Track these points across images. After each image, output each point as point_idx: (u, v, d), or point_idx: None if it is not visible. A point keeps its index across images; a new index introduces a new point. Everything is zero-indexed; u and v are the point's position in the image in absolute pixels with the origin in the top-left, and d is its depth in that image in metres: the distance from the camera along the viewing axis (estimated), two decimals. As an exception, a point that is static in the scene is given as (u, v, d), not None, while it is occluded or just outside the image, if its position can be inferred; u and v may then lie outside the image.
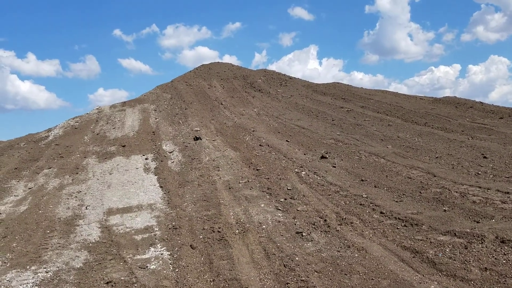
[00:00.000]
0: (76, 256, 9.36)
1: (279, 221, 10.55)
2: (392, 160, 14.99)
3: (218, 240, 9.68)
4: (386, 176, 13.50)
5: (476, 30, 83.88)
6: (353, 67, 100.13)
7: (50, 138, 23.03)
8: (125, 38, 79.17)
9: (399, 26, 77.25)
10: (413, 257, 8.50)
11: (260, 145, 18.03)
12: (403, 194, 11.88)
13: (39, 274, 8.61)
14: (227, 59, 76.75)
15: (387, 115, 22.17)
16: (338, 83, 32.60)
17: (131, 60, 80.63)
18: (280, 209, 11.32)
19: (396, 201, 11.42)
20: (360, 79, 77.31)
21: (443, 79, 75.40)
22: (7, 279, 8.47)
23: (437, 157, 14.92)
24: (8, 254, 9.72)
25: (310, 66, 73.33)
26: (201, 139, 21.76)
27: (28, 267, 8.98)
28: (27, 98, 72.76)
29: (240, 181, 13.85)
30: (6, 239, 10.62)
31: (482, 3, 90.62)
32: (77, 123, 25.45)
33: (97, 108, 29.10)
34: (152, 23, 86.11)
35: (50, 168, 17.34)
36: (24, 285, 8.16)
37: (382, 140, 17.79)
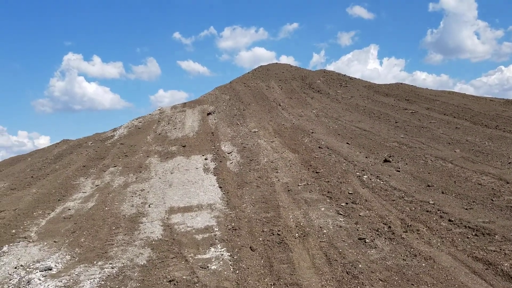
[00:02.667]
0: (140, 253, 9.58)
1: (341, 226, 10.25)
2: (461, 165, 14.18)
3: (278, 243, 9.55)
4: (454, 182, 12.77)
5: (551, 27, 78.15)
6: (415, 67, 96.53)
7: (116, 137, 23.96)
8: (184, 41, 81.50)
9: (465, 24, 73.55)
10: (486, 269, 7.93)
11: (319, 147, 17.72)
12: (473, 202, 11.18)
13: (105, 269, 8.89)
14: (284, 59, 76.66)
15: (455, 117, 21.05)
16: (401, 83, 31.44)
17: (189, 62, 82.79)
18: (341, 214, 11.01)
19: (466, 209, 10.76)
20: (423, 79, 74.34)
21: (513, 80, 70.69)
22: (76, 273, 8.81)
23: (509, 163, 13.93)
24: (77, 249, 10.13)
25: (370, 66, 71.51)
26: (213, 113, 23.41)
27: (95, 262, 9.30)
28: (93, 99, 76.76)
29: (299, 184, 13.65)
30: (75, 234, 11.09)
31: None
32: (140, 123, 26.32)
33: (159, 109, 29.97)
34: (210, 25, 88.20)
35: (115, 166, 18.01)
36: (92, 280, 8.44)
37: (449, 143, 16.90)
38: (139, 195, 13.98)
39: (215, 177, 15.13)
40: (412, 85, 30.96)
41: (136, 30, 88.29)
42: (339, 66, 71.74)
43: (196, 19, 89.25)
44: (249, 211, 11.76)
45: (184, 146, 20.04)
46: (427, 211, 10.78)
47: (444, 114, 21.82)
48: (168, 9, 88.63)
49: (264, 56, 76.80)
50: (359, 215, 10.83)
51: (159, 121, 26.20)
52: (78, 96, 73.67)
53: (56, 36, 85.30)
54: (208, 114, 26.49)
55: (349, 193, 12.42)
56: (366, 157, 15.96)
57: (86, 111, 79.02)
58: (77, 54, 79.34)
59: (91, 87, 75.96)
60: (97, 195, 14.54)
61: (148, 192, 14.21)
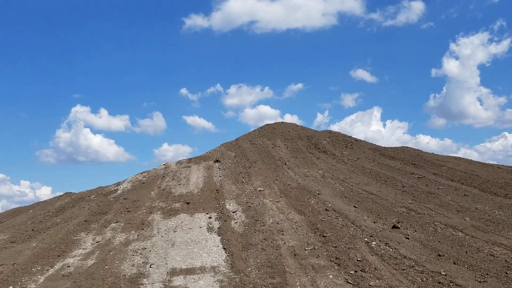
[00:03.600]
0: (139, 318, 9.14)
1: (350, 296, 9.82)
2: (471, 234, 13.85)
3: (285, 313, 9.11)
4: (466, 252, 12.41)
5: (554, 96, 78.88)
6: (419, 130, 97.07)
7: (119, 192, 23.76)
8: (191, 97, 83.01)
9: (467, 90, 74.56)
10: None
11: (326, 209, 17.43)
12: (487, 274, 10.80)
13: (102, 335, 8.44)
14: (289, 118, 77.40)
15: (463, 184, 20.84)
16: (407, 147, 31.46)
17: (195, 117, 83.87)
18: (350, 283, 10.59)
19: (479, 281, 10.38)
20: (427, 143, 74.25)
21: (517, 146, 70.34)
22: (71, 338, 8.36)
23: (523, 234, 13.61)
24: (73, 311, 9.70)
25: (373, 128, 71.76)
26: (219, 162, 26.28)
27: (91, 326, 8.86)
28: (98, 151, 76.92)
29: (306, 248, 13.28)
30: (73, 294, 10.67)
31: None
32: (145, 178, 26.19)
33: (164, 164, 29.93)
34: (217, 83, 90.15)
35: (117, 222, 17.69)
36: None
37: (458, 211, 16.59)
38: (141, 254, 13.60)
39: (219, 238, 14.77)
40: (418, 149, 30.97)
41: (144, 85, 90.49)
42: (343, 126, 72.36)
43: (203, 76, 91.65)
44: (254, 276, 11.35)
45: (188, 203, 19.78)
46: (439, 283, 10.39)
47: (452, 180, 21.61)
48: (177, 66, 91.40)
49: (269, 114, 77.89)
50: (369, 284, 10.42)
51: (163, 176, 26.08)
52: (83, 147, 74.14)
53: (65, 89, 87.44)
54: (216, 161, 28.43)
55: (357, 260, 12.03)
56: (374, 222, 15.63)
57: (90, 163, 79.09)
58: (85, 106, 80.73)
59: (96, 139, 76.57)
60: (98, 252, 14.17)
61: (150, 251, 13.83)
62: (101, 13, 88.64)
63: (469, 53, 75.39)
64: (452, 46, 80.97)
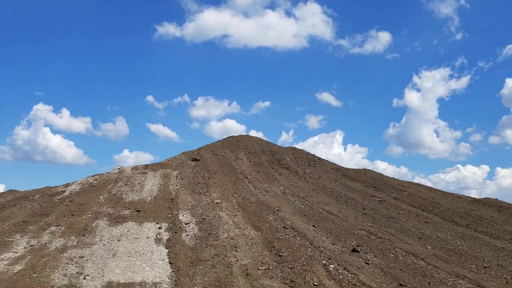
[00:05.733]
0: None
1: (303, 325, 8.89)
2: (434, 264, 13.24)
3: None
4: (429, 283, 11.76)
5: (505, 133, 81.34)
6: (377, 156, 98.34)
7: (66, 193, 22.12)
8: (157, 105, 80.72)
9: (425, 122, 76.37)
10: None
11: (284, 227, 16.53)
12: (448, 308, 10.12)
13: None
14: (254, 134, 76.58)
15: (423, 210, 20.44)
16: (369, 170, 31.12)
17: (159, 126, 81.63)
18: (304, 309, 9.67)
19: (440, 316, 9.66)
20: (384, 169, 74.98)
21: (469, 179, 72.05)
22: None
23: (485, 267, 13.11)
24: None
25: (335, 151, 71.83)
26: (198, 160, 24.68)
27: None
28: (56, 152, 73.32)
29: (260, 267, 12.31)
30: (-13, 305, 9.26)
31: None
32: (96, 181, 24.59)
33: (119, 168, 28.33)
34: (185, 93, 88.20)
35: (58, 226, 16.19)
36: None
37: (420, 238, 16.03)
38: (76, 262, 12.26)
39: (167, 251, 13.59)
40: (379, 173, 30.65)
41: (110, 88, 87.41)
42: (306, 146, 72.01)
43: (171, 85, 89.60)
44: (199, 295, 10.26)
45: (138, 211, 18.45)
46: (399, 315, 9.61)
47: (413, 206, 21.19)
48: (144, 72, 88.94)
49: (234, 128, 76.75)
50: (324, 313, 9.52)
51: (116, 181, 24.55)
52: (41, 147, 70.50)
53: (28, 85, 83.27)
54: (194, 159, 28.99)
55: (314, 284, 11.15)
56: (333, 244, 14.82)
57: (47, 163, 75.30)
58: (47, 105, 76.99)
59: (55, 139, 72.95)
60: (29, 257, 12.72)
61: (87, 260, 12.49)
62: (73, 11, 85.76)
63: (430, 87, 77.19)
64: (415, 78, 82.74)
